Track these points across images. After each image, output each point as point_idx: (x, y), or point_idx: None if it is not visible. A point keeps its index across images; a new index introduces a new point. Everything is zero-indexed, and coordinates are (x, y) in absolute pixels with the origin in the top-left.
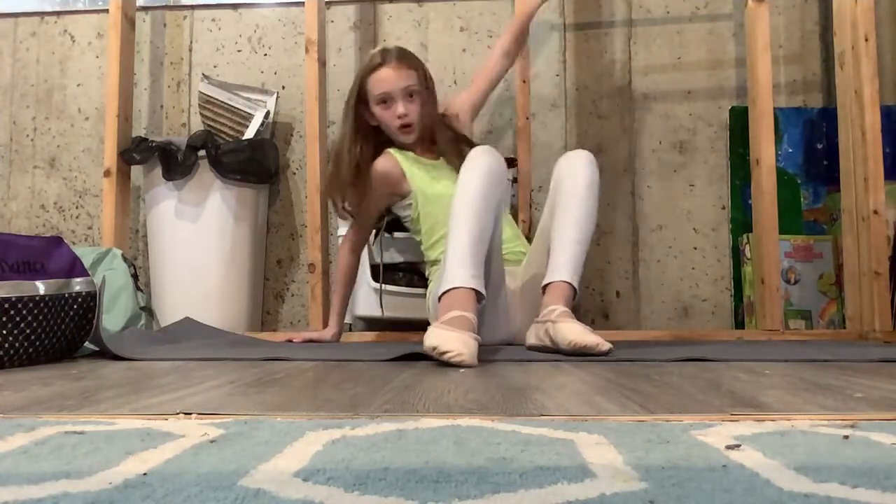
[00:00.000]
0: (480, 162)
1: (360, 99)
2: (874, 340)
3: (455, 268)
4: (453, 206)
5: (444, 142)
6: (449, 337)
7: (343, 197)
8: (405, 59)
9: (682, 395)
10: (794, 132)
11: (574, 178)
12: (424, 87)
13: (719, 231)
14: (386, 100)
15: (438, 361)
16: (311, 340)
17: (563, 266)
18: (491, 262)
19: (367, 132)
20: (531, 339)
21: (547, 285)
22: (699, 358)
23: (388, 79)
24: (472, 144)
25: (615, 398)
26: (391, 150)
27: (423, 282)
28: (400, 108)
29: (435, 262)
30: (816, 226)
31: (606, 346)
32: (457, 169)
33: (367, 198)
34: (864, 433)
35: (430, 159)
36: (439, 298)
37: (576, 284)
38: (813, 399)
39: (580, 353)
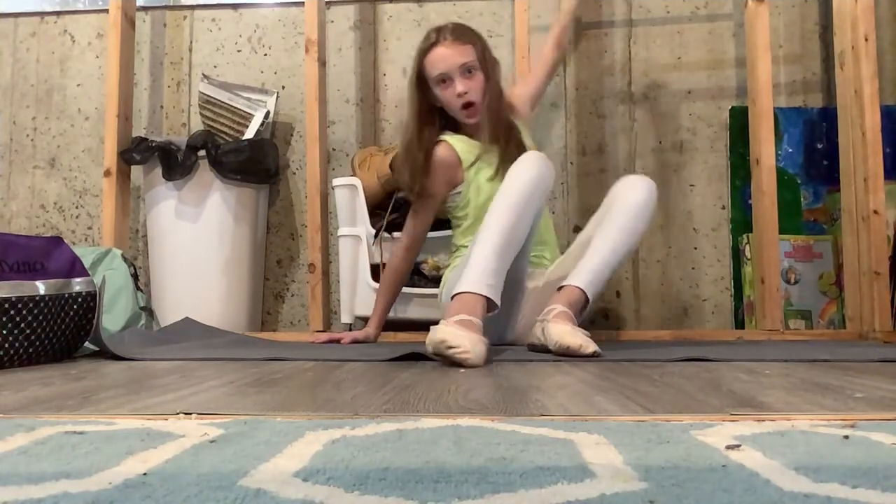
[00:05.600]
0: (531, 169)
1: (420, 81)
2: (874, 340)
3: (476, 272)
4: (493, 205)
5: (501, 128)
6: (459, 334)
7: (410, 179)
8: (460, 34)
9: (682, 395)
10: (794, 132)
11: (627, 196)
12: (484, 63)
13: (719, 231)
14: (445, 80)
15: (439, 361)
16: (357, 341)
17: (583, 273)
18: (516, 268)
19: (430, 114)
20: (531, 339)
21: (561, 288)
22: (699, 358)
23: (443, 58)
24: (520, 141)
25: (615, 398)
26: (447, 138)
27: (424, 282)
28: (459, 86)
29: (461, 248)
30: (816, 226)
31: (591, 348)
32: (508, 160)
33: (430, 183)
34: (864, 433)
35: (484, 143)
36: (452, 297)
37: (589, 294)
38: (813, 399)
39: (566, 354)
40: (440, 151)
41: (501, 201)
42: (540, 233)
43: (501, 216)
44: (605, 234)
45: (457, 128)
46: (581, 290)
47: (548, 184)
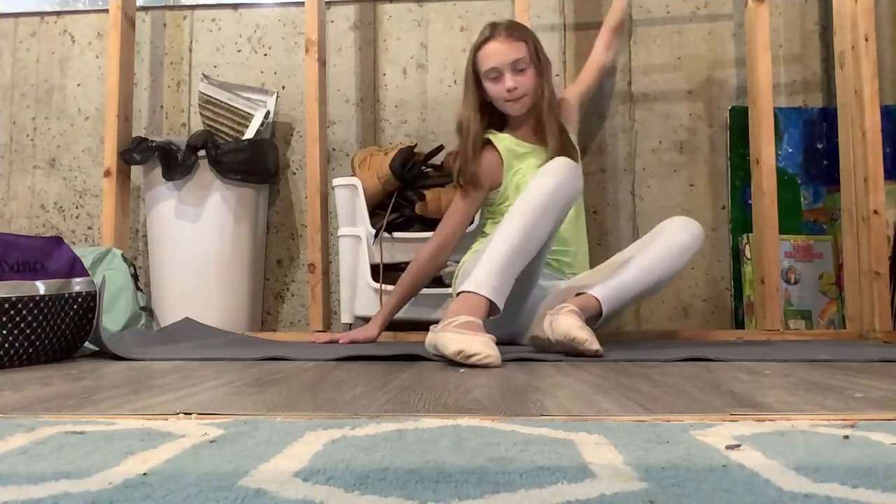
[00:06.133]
0: (554, 177)
1: (474, 76)
2: (874, 340)
3: (484, 274)
4: (510, 210)
5: (549, 125)
6: (471, 340)
7: (464, 165)
8: (514, 31)
9: (682, 395)
10: (794, 132)
11: (675, 234)
12: (536, 60)
13: (719, 231)
14: (495, 75)
15: (440, 362)
16: (355, 341)
17: (606, 287)
18: (529, 272)
19: (483, 108)
20: (536, 331)
21: (579, 294)
22: (699, 358)
23: (495, 53)
24: (567, 138)
25: (615, 398)
26: (491, 138)
27: None
28: (508, 81)
29: (487, 235)
30: (816, 226)
31: (596, 346)
32: (553, 156)
33: (479, 176)
34: (864, 433)
35: (531, 143)
36: (457, 294)
37: (605, 308)
38: (813, 399)
39: (569, 348)
40: (486, 156)
41: (519, 207)
42: (564, 239)
43: (516, 222)
44: (641, 261)
45: (503, 122)
46: (598, 301)
47: (570, 192)
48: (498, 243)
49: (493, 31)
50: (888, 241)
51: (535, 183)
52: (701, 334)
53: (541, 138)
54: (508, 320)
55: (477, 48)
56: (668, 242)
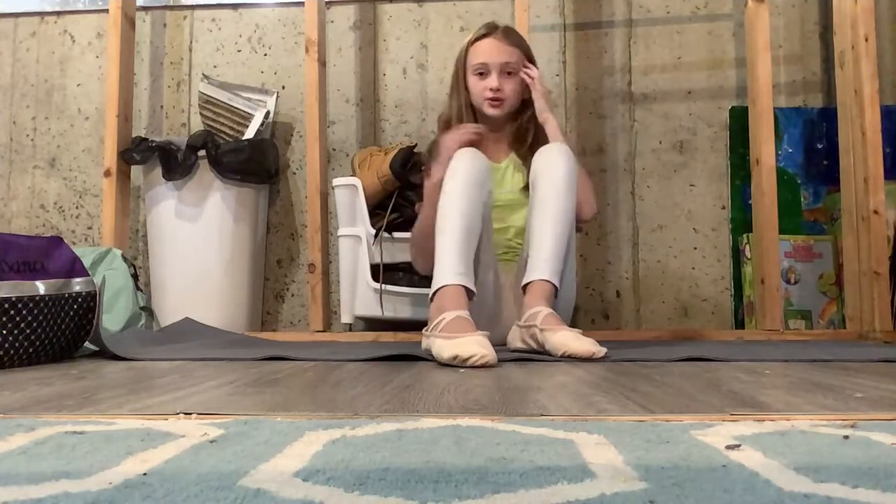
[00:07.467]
0: (462, 165)
1: (463, 71)
2: (874, 340)
3: (443, 267)
4: (439, 207)
5: (522, 139)
6: (464, 343)
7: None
8: (512, 35)
9: (682, 395)
10: (794, 132)
11: (549, 172)
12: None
13: (719, 231)
14: (482, 71)
15: (440, 362)
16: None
17: (542, 264)
18: (479, 260)
19: (468, 107)
20: (516, 343)
21: (527, 285)
22: (699, 358)
23: (488, 50)
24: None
25: (615, 398)
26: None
27: (424, 281)
28: (493, 80)
29: None
30: (816, 226)
31: (602, 352)
32: (520, 170)
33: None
34: (864, 433)
35: (496, 161)
36: (431, 298)
37: (556, 282)
38: (813, 399)
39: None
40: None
41: (446, 200)
42: (518, 230)
43: (451, 212)
44: (545, 216)
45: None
46: (547, 281)
47: (483, 176)
48: (443, 235)
49: (491, 29)
50: (888, 241)
51: (448, 176)
52: (701, 334)
53: (498, 157)
54: (483, 316)
55: (470, 43)
56: (553, 184)
